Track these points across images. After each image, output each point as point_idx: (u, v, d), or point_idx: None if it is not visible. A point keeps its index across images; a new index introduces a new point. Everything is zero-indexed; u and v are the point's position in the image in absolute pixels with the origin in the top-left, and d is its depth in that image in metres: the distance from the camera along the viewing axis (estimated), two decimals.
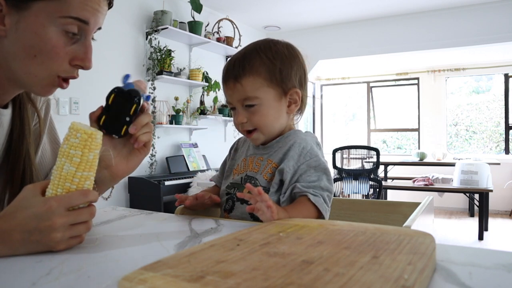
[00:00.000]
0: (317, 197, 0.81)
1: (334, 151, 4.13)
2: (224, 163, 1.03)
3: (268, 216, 0.69)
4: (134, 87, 0.71)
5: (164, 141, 3.75)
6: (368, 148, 4.52)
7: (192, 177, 3.52)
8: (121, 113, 0.70)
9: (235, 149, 1.02)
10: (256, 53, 0.88)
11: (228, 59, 0.93)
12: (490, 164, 4.35)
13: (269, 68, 0.87)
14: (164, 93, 3.72)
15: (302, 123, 5.62)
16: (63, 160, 0.60)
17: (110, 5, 0.74)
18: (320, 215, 0.82)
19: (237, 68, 0.87)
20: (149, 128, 0.74)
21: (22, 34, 0.67)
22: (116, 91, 0.70)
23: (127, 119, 0.71)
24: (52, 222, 0.57)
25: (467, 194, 4.80)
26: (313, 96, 6.97)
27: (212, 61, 4.39)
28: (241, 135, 0.98)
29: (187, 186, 3.45)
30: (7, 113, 0.80)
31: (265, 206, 0.69)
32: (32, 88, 0.73)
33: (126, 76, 0.72)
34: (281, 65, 0.88)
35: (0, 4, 0.65)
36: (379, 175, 4.23)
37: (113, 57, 3.26)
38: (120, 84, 0.72)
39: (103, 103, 0.72)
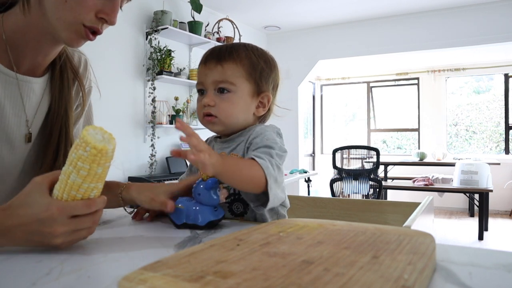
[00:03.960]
0: (264, 160, 0.76)
1: (334, 151, 4.13)
2: (191, 165, 0.99)
3: (201, 163, 0.63)
4: (220, 193, 0.76)
5: (164, 141, 3.75)
6: (368, 148, 4.53)
7: None
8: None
9: None
10: (244, 48, 0.89)
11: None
12: (490, 164, 4.35)
13: (253, 63, 0.87)
14: (164, 93, 3.72)
15: (302, 123, 5.63)
16: (70, 169, 0.58)
17: None
18: (264, 177, 0.75)
19: (223, 53, 0.86)
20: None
21: None
22: (206, 225, 0.74)
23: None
24: (53, 229, 0.57)
25: (467, 194, 4.81)
26: (313, 96, 6.97)
27: None
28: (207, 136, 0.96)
29: None
30: (40, 81, 0.86)
31: (195, 152, 0.63)
32: (61, 34, 0.77)
33: (213, 181, 0.75)
34: (264, 65, 0.89)
35: None
36: (379, 175, 4.23)
37: (113, 57, 3.26)
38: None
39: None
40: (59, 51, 0.88)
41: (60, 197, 0.59)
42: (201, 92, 0.88)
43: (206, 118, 0.87)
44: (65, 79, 0.89)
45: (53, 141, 0.86)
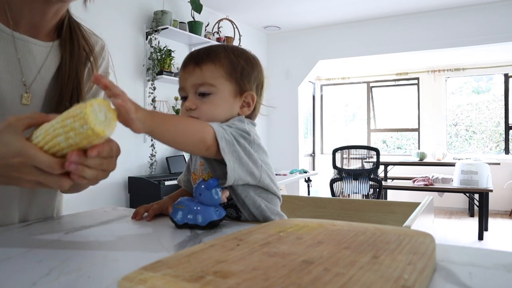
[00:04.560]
0: (220, 128, 0.75)
1: (334, 151, 4.13)
2: (188, 165, 0.99)
3: (126, 113, 0.57)
4: (220, 194, 0.75)
5: None
6: (368, 148, 4.52)
7: None
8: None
9: None
10: (222, 48, 0.88)
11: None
12: (490, 164, 4.35)
13: (232, 63, 0.85)
14: (164, 93, 3.72)
15: (302, 123, 5.63)
16: (60, 131, 0.56)
17: None
18: (213, 134, 0.72)
19: (201, 55, 0.85)
20: (103, 174, 0.64)
21: None
22: (207, 225, 0.74)
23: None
24: (21, 175, 0.58)
25: (467, 194, 4.80)
26: (313, 96, 6.97)
27: None
28: None
29: None
30: (43, 44, 0.85)
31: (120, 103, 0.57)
32: None
33: (214, 181, 0.75)
34: (244, 64, 0.87)
35: None
36: (379, 175, 4.23)
37: (113, 57, 3.24)
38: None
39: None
40: (58, 14, 0.86)
41: (41, 146, 0.58)
42: (185, 99, 0.86)
43: None
44: (75, 46, 0.88)
45: (64, 103, 0.84)
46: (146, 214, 0.87)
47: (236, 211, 0.86)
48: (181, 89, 0.87)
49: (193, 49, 4.15)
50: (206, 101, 0.83)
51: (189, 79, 0.84)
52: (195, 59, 0.85)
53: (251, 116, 0.92)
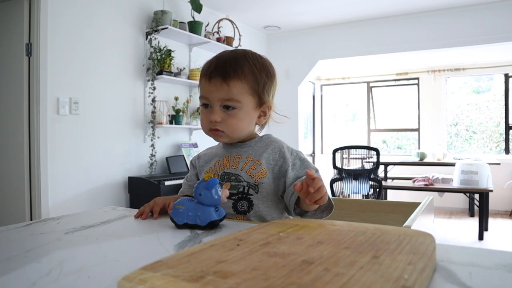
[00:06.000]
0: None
1: (334, 151, 4.13)
2: (190, 176, 1.06)
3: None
4: (221, 193, 0.76)
5: (164, 141, 3.75)
6: (368, 148, 4.52)
7: None
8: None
9: (197, 157, 1.07)
10: (246, 60, 0.92)
11: (215, 56, 0.95)
12: (490, 164, 4.35)
13: (256, 78, 0.91)
14: (164, 93, 3.72)
15: (302, 123, 5.63)
16: None
17: None
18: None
19: (228, 68, 0.89)
20: None
21: None
22: (207, 225, 0.75)
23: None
24: None
25: (467, 194, 4.80)
26: (313, 96, 6.97)
27: None
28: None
29: None
30: None
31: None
32: None
33: (214, 181, 0.76)
34: (266, 79, 0.93)
35: None
36: (379, 175, 4.23)
37: (113, 57, 3.26)
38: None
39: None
40: None
41: None
42: (206, 105, 0.92)
43: (213, 132, 0.92)
44: None
45: None
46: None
47: (248, 205, 0.89)
48: (204, 98, 0.92)
49: (193, 49, 4.15)
50: (231, 115, 0.90)
51: (216, 93, 0.89)
52: (222, 72, 0.89)
53: (264, 124, 1.00)
